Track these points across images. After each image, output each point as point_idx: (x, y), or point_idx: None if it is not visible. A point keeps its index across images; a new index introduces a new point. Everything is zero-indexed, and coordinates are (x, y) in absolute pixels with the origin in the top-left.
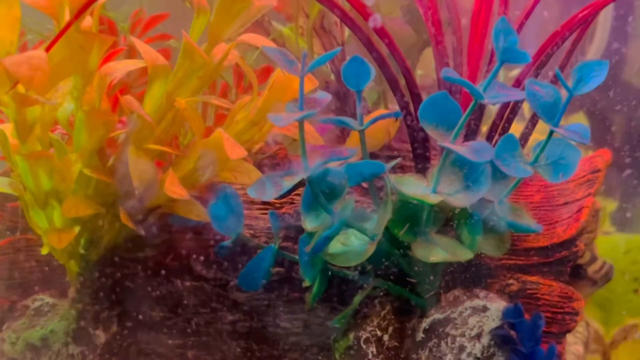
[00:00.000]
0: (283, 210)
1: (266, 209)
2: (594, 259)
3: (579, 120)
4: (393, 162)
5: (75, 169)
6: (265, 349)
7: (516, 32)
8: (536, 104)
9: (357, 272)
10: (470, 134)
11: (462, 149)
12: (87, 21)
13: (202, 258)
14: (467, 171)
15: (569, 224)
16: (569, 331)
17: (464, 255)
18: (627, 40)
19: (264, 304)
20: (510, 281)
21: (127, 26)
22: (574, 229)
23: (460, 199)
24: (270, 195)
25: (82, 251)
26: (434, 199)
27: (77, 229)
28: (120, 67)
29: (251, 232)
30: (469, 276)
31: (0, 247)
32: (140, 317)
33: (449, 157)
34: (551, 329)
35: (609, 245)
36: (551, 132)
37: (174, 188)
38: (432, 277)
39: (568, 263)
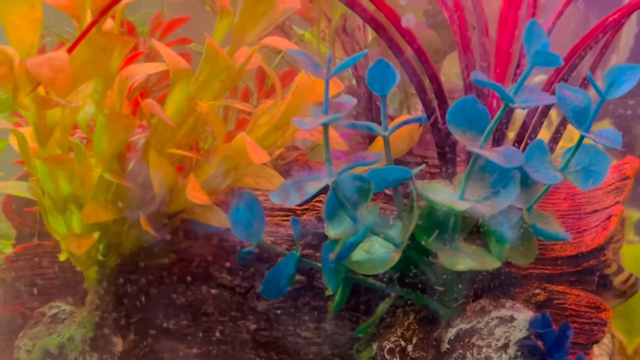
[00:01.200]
0: (304, 217)
1: (287, 216)
2: (620, 269)
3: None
4: (419, 168)
5: (95, 173)
6: (285, 359)
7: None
8: (567, 108)
9: (381, 280)
10: (498, 139)
11: (492, 154)
12: (109, 23)
13: (222, 265)
14: (496, 177)
15: (597, 232)
16: (596, 342)
17: (492, 264)
18: None
19: (285, 312)
20: (537, 291)
21: (146, 29)
22: (602, 238)
23: (489, 206)
24: (294, 200)
25: (100, 257)
26: (462, 206)
27: (96, 235)
28: (142, 70)
29: (272, 239)
30: (496, 285)
31: (18, 252)
32: (160, 325)
33: (477, 162)
34: (578, 340)
35: (635, 254)
36: (582, 138)
37: (195, 193)
38: (458, 286)
39: (596, 272)
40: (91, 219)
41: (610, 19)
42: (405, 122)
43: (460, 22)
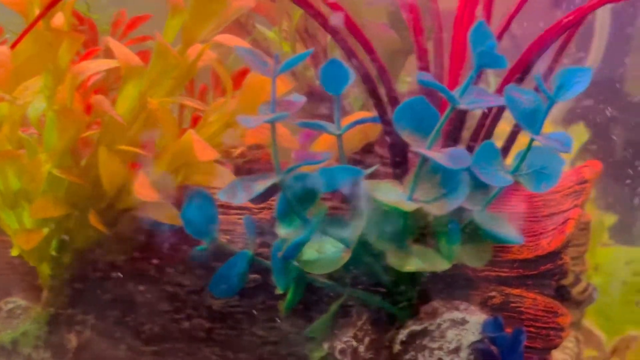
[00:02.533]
0: (261, 215)
1: (244, 214)
2: (578, 280)
3: (579, 131)
4: (372, 168)
5: (45, 169)
6: (242, 357)
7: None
8: (516, 110)
9: (335, 280)
10: (451, 140)
11: (438, 156)
12: (59, 19)
13: (177, 263)
14: (445, 179)
15: (553, 236)
16: (554, 347)
17: (441, 265)
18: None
19: (240, 311)
20: (493, 293)
21: (108, 28)
22: (558, 242)
23: (437, 207)
24: (241, 199)
25: (53, 253)
26: (409, 207)
27: (46, 231)
28: (93, 66)
29: (228, 237)
30: (450, 287)
31: None
32: (116, 322)
33: (425, 163)
34: (535, 344)
35: (610, 256)
36: (531, 141)
37: (143, 190)
38: (411, 288)
39: (553, 277)
40: (40, 214)
41: (565, 20)
42: (358, 122)
43: (415, 24)
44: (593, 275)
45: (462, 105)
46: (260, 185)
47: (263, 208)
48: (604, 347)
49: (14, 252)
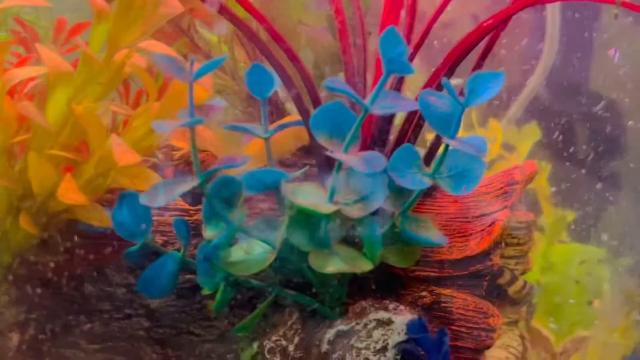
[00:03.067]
0: (196, 217)
1: (181, 215)
2: (514, 278)
3: (531, 130)
4: (301, 171)
5: None
6: (181, 356)
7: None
8: (430, 115)
9: (263, 280)
10: (377, 145)
11: (351, 159)
12: None
13: (114, 264)
14: (365, 182)
15: (482, 237)
16: (486, 348)
17: (364, 266)
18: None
19: (177, 310)
20: (424, 293)
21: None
22: (486, 243)
23: (356, 210)
24: (161, 201)
25: None
26: (326, 209)
27: None
28: (22, 73)
29: (165, 238)
30: (380, 287)
31: None
32: (59, 321)
33: (342, 166)
34: (467, 345)
35: (565, 254)
36: (447, 145)
37: (68, 193)
38: (339, 287)
39: (484, 277)
40: None
41: (485, 24)
42: (284, 125)
43: (341, 27)
44: (546, 273)
45: (375, 110)
46: (182, 188)
47: (199, 210)
48: (553, 348)
49: None
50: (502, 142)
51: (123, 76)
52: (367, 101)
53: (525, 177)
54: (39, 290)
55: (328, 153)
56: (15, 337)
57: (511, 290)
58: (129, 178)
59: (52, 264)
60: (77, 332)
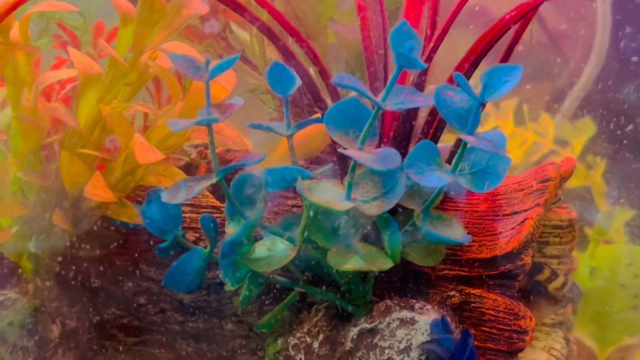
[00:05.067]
0: None
1: (212, 213)
2: (554, 275)
3: (585, 125)
4: (325, 168)
5: (12, 172)
6: (215, 350)
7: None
8: (447, 110)
9: (289, 277)
10: (399, 142)
11: (364, 156)
12: (14, 34)
13: (149, 259)
14: (384, 179)
15: (512, 235)
16: (519, 351)
17: (383, 264)
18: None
19: (209, 305)
20: (453, 293)
21: (89, 38)
22: (516, 242)
23: (374, 207)
24: (181, 198)
25: (32, 250)
26: (342, 206)
27: (14, 229)
28: (54, 75)
29: (197, 235)
30: (408, 286)
31: None
32: (99, 314)
33: (358, 164)
34: (499, 347)
35: (610, 256)
36: (465, 142)
37: (95, 191)
38: (362, 285)
39: (515, 277)
40: (6, 214)
41: (508, 16)
42: (304, 123)
43: (362, 23)
44: (589, 279)
45: (388, 107)
46: (200, 185)
47: None
48: (596, 359)
49: None
50: (556, 138)
51: (149, 77)
52: (379, 98)
53: (559, 173)
54: (77, 285)
55: (341, 150)
56: (56, 329)
57: (551, 287)
58: (155, 176)
59: (89, 260)
60: (115, 325)
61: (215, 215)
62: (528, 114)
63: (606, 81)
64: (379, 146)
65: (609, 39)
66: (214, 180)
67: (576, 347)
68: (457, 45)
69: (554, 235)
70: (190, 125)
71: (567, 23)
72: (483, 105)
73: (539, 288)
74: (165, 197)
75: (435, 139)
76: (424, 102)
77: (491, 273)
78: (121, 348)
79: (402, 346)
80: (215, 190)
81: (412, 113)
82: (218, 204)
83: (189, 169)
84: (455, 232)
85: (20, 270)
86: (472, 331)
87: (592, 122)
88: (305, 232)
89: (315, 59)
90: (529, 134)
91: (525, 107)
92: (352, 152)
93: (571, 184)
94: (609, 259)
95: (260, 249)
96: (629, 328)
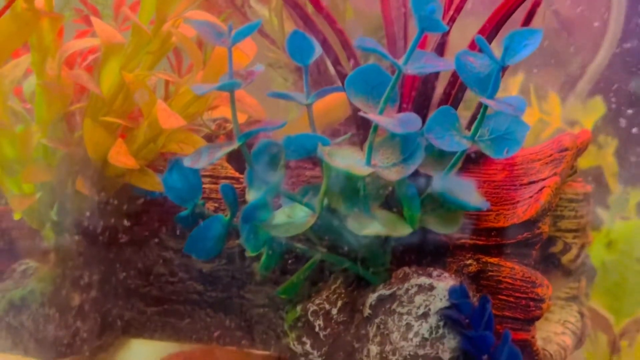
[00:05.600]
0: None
1: (232, 183)
2: (567, 247)
3: (595, 105)
4: (344, 137)
5: (35, 139)
6: (234, 319)
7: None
8: (467, 75)
9: (310, 245)
10: (419, 108)
11: (385, 120)
12: (38, 2)
13: (169, 228)
14: (403, 144)
15: (529, 204)
16: (536, 318)
17: (403, 230)
18: None
19: (228, 275)
20: (470, 261)
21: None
22: (533, 210)
23: (394, 172)
24: (203, 163)
25: (54, 217)
26: (362, 171)
27: (38, 195)
28: (77, 44)
29: (216, 205)
30: (426, 255)
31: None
32: (119, 283)
33: (378, 131)
34: (516, 315)
35: (627, 231)
36: (485, 106)
37: (119, 157)
38: (383, 253)
39: (532, 246)
40: (30, 179)
41: None
42: (325, 91)
43: None
44: (606, 251)
45: (409, 70)
46: (222, 151)
47: None
48: (612, 329)
49: (16, 216)
50: (567, 119)
51: (171, 46)
52: (401, 62)
53: (576, 144)
54: (99, 254)
55: (361, 114)
56: (77, 298)
57: (564, 259)
58: (177, 143)
59: (114, 228)
60: (136, 294)
61: (234, 185)
62: (538, 96)
63: (621, 62)
64: (398, 112)
65: (623, 20)
66: (236, 145)
67: (592, 318)
68: (469, 33)
69: (569, 209)
70: (214, 89)
71: (582, 6)
72: (504, 70)
73: (553, 260)
74: (187, 163)
75: (455, 105)
76: (445, 66)
77: (509, 242)
78: (141, 318)
79: (420, 312)
80: (232, 159)
81: (432, 80)
82: (237, 174)
83: (209, 140)
84: (473, 198)
85: (42, 239)
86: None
87: (602, 102)
88: (325, 200)
89: (335, 27)
90: (536, 113)
91: (531, 87)
92: (373, 115)
93: (583, 164)
94: (625, 234)
95: (280, 216)
96: None
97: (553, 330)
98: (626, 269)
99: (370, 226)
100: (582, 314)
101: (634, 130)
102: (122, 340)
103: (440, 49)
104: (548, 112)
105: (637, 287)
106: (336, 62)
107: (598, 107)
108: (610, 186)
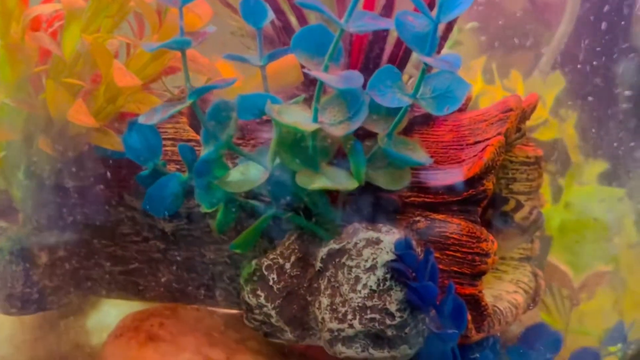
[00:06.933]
0: None
1: (194, 146)
2: (520, 205)
3: (555, 79)
4: (294, 100)
5: (0, 99)
6: (195, 278)
7: None
8: (406, 34)
9: (266, 203)
10: (368, 68)
11: (328, 77)
12: None
13: (132, 189)
14: (349, 102)
15: (473, 162)
16: (482, 273)
17: (349, 184)
18: None
19: (190, 234)
20: (418, 218)
21: None
22: (477, 168)
23: (340, 129)
24: (156, 119)
25: (21, 178)
26: (308, 127)
27: (2, 154)
28: (40, 9)
29: (178, 167)
30: (376, 212)
31: None
32: (86, 243)
33: (323, 86)
34: (463, 270)
35: (584, 194)
36: (425, 64)
37: (78, 116)
38: (330, 209)
39: (478, 203)
40: None
41: None
42: (277, 52)
43: None
44: (565, 212)
45: (350, 29)
46: (175, 108)
47: None
48: (572, 283)
49: None
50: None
51: (129, 10)
52: (342, 20)
53: (521, 105)
54: (65, 214)
55: (306, 71)
56: (43, 256)
57: (517, 216)
58: (135, 104)
59: (79, 189)
60: (101, 254)
61: (195, 147)
62: (501, 75)
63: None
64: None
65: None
66: (188, 103)
67: (553, 273)
68: None
69: (520, 172)
70: (163, 47)
71: None
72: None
73: (506, 218)
74: (142, 120)
75: (402, 65)
76: (385, 25)
77: (455, 199)
78: (107, 277)
79: (368, 265)
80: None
81: (380, 42)
82: (197, 137)
83: None
84: (417, 154)
85: (10, 199)
86: (437, 255)
87: (562, 77)
88: (278, 160)
89: None
90: (499, 90)
91: (494, 66)
92: (316, 72)
93: (545, 136)
94: (582, 197)
95: (235, 174)
96: (602, 257)
97: (505, 289)
98: (583, 227)
99: (317, 181)
100: (535, 275)
101: (592, 101)
102: (90, 299)
103: (389, 10)
104: (511, 89)
105: (593, 244)
106: (288, 27)
107: (558, 82)
108: (572, 157)
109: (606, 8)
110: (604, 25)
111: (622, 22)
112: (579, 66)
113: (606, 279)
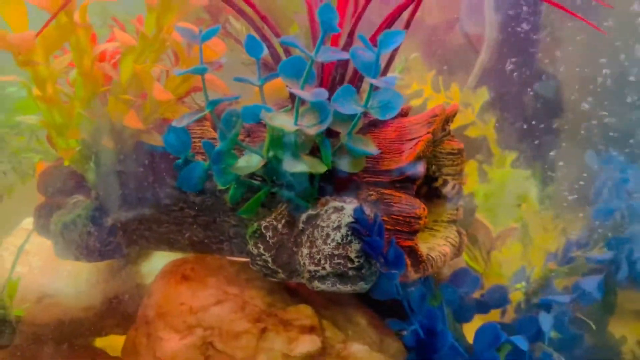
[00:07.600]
0: None
1: (215, 143)
2: (446, 182)
3: (482, 92)
4: (283, 109)
5: (76, 111)
6: (217, 236)
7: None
8: (358, 62)
9: (264, 182)
10: (335, 87)
11: (302, 93)
12: (76, 15)
13: (171, 173)
14: (320, 112)
15: (410, 153)
16: (416, 231)
17: (321, 168)
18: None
19: (213, 204)
20: (371, 192)
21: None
22: (412, 156)
23: (313, 129)
24: (184, 122)
25: (92, 166)
26: (290, 128)
27: (78, 148)
28: (104, 46)
29: (203, 158)
30: (343, 189)
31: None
32: (136, 211)
33: (301, 100)
34: (404, 229)
35: (502, 174)
36: (371, 85)
37: (131, 121)
38: (310, 187)
39: (413, 181)
40: (71, 136)
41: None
42: (271, 76)
43: (308, 6)
44: (486, 187)
45: (318, 59)
46: (197, 115)
47: None
48: (492, 234)
49: (65, 163)
50: (464, 102)
51: (167, 47)
52: (312, 53)
53: (444, 112)
54: (125, 191)
55: (289, 89)
56: (110, 220)
57: (444, 190)
58: (171, 112)
59: (135, 173)
60: (150, 219)
61: (215, 144)
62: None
63: (497, 60)
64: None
65: (497, 31)
66: (206, 111)
67: (479, 227)
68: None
69: (448, 160)
70: (187, 72)
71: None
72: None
73: (436, 192)
74: (175, 123)
75: (358, 87)
76: (344, 56)
77: (398, 179)
78: (154, 236)
79: (334, 225)
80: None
81: (342, 69)
82: (217, 136)
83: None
84: (369, 147)
85: (86, 181)
86: (385, 218)
87: (487, 91)
88: (271, 152)
89: (274, 30)
90: (442, 98)
91: (440, 79)
92: (296, 90)
93: (473, 133)
94: (500, 176)
95: (241, 161)
96: (513, 217)
97: (437, 243)
98: (500, 195)
99: (299, 166)
100: (460, 233)
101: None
102: (142, 251)
103: (349, 45)
104: (451, 98)
105: (506, 208)
106: (278, 57)
107: (483, 94)
108: (493, 150)
109: (516, 39)
110: (515, 51)
111: (532, 49)
112: (497, 82)
113: (515, 233)
